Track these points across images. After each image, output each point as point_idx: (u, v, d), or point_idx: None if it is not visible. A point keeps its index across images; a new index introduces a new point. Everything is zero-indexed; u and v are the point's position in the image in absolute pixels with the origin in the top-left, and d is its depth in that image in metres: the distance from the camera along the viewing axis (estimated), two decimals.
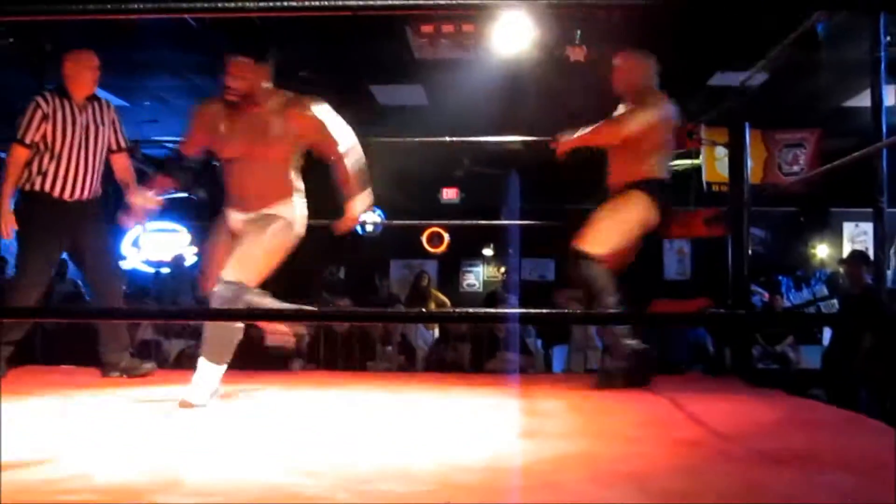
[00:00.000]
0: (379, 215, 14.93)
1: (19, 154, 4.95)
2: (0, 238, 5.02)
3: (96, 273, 5.18)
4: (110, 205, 5.34)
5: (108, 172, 5.28)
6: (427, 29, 7.59)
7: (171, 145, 14.52)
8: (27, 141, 4.94)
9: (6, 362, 4.96)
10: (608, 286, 4.66)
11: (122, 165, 5.33)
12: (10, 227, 4.93)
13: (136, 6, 2.47)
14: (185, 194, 14.19)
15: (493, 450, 2.83)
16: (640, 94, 4.95)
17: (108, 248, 5.35)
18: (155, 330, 8.23)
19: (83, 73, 5.12)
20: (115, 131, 5.28)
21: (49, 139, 4.97)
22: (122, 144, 5.32)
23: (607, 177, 5.06)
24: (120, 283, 5.26)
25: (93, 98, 5.19)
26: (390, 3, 2.59)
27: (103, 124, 5.18)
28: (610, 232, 4.79)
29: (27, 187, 4.99)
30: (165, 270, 14.18)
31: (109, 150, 5.23)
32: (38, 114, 4.95)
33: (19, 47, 7.46)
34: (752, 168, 8.05)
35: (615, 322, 4.30)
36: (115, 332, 5.15)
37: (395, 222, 15.08)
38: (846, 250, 13.37)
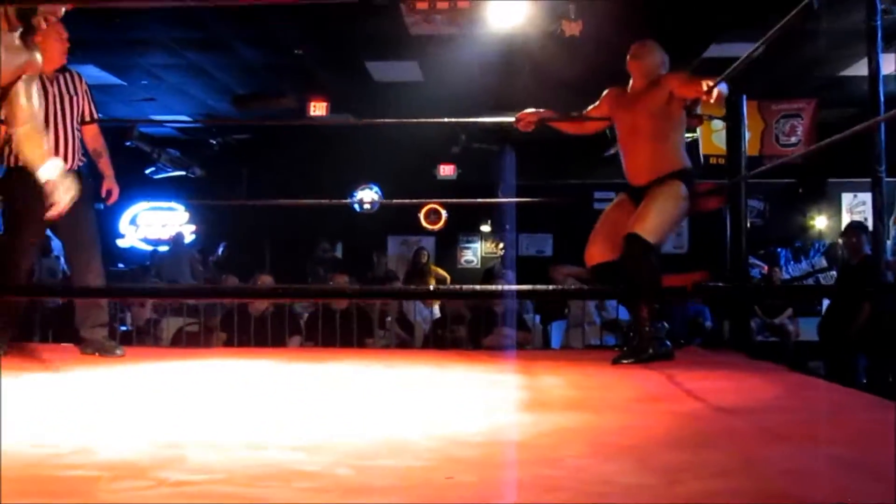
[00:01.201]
0: (376, 192, 14.93)
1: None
2: None
3: (74, 247, 5.16)
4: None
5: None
6: (422, 5, 7.55)
7: (169, 124, 14.54)
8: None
9: (6, 343, 4.97)
10: (658, 279, 4.71)
11: (92, 135, 5.31)
12: None
13: None
14: (182, 172, 14.24)
15: (493, 424, 2.83)
16: (658, 78, 4.97)
17: (87, 221, 5.28)
18: (153, 308, 8.24)
19: (52, 44, 5.06)
20: (88, 102, 5.27)
21: None
22: (94, 115, 5.30)
23: (637, 163, 5.01)
24: (98, 258, 5.22)
25: (63, 70, 5.17)
26: None
27: (76, 94, 5.16)
28: (664, 222, 4.79)
29: (11, 163, 4.96)
30: (163, 248, 14.19)
31: (81, 121, 5.21)
32: None
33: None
34: (749, 140, 8.05)
35: (608, 297, 4.30)
36: (90, 309, 5.14)
37: (393, 201, 15.10)
38: (845, 221, 13.38)
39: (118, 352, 5.15)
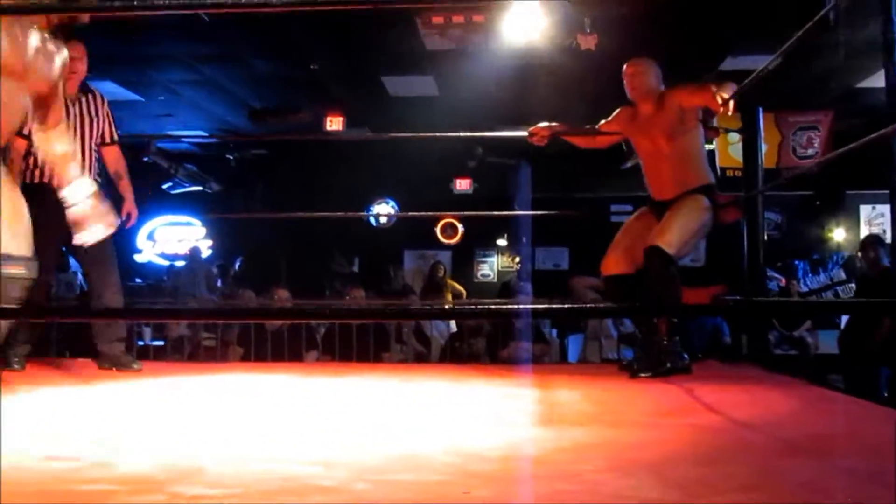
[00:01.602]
0: (392, 206, 14.95)
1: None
2: None
3: (92, 265, 5.19)
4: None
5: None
6: (437, 20, 7.59)
7: (186, 139, 14.59)
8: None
9: (24, 358, 5.00)
10: (679, 292, 4.70)
11: (114, 157, 5.35)
12: None
13: (163, 2, 2.46)
14: (199, 187, 14.29)
15: (510, 439, 2.83)
16: (662, 95, 4.96)
17: (104, 240, 5.32)
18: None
19: (72, 65, 5.12)
20: (109, 124, 5.30)
21: None
22: (114, 137, 5.33)
23: (661, 181, 5.00)
24: (116, 274, 5.25)
25: (86, 90, 5.20)
26: None
27: (97, 116, 5.20)
28: (686, 234, 4.78)
29: (27, 179, 5.01)
30: (180, 263, 14.23)
31: (101, 143, 5.24)
32: None
33: None
34: (766, 152, 8.03)
35: (625, 315, 4.28)
36: (104, 325, 5.16)
37: (410, 214, 15.11)
38: (863, 233, 13.31)
39: (135, 366, 5.16)
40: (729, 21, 8.17)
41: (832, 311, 10.73)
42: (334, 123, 11.28)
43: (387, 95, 11.32)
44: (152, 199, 13.60)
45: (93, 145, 5.17)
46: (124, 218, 5.41)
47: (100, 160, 5.27)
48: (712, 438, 2.84)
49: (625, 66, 5.08)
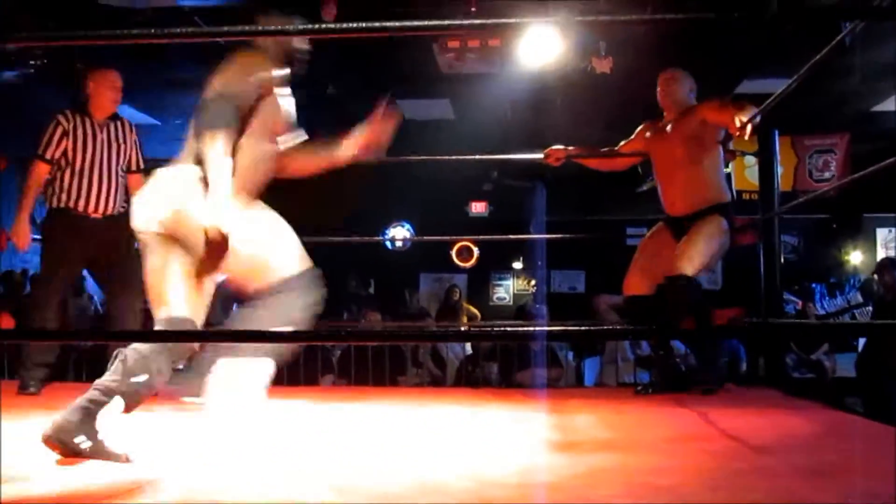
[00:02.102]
0: (408, 229, 14.96)
1: (40, 170, 5.04)
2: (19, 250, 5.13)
3: (116, 291, 5.21)
4: None
5: None
6: (453, 44, 7.61)
7: None
8: (48, 156, 5.03)
9: (40, 382, 5.01)
10: (709, 313, 4.75)
11: (137, 185, 5.38)
12: (27, 239, 4.99)
13: (178, 30, 2.49)
14: None
15: (526, 464, 2.82)
16: (689, 108, 4.99)
17: (130, 266, 5.36)
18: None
19: (105, 92, 5.19)
20: (136, 151, 5.34)
21: (70, 155, 5.05)
22: (140, 165, 5.38)
23: (675, 191, 5.01)
24: (139, 301, 5.28)
25: (114, 117, 5.25)
26: (424, 23, 2.61)
27: (124, 142, 5.25)
28: (706, 258, 4.80)
29: (53, 204, 5.06)
30: None
31: (127, 170, 5.28)
32: (59, 130, 5.05)
33: (52, 67, 7.56)
34: (782, 175, 8.00)
35: (643, 338, 4.27)
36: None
37: (425, 238, 15.11)
38: (880, 256, 13.25)
39: None
40: (745, 44, 8.18)
41: (850, 334, 10.66)
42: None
43: (403, 119, 11.34)
44: None
45: (119, 171, 5.22)
46: None
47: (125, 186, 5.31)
48: (729, 463, 2.82)
49: (661, 73, 5.13)
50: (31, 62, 7.31)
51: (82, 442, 2.71)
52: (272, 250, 3.19)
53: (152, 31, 2.38)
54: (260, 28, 2.61)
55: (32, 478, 2.47)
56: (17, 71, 7.48)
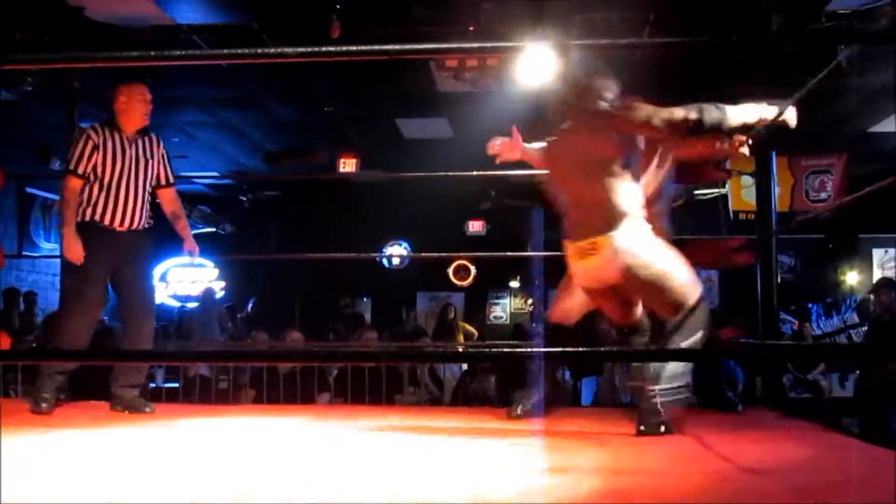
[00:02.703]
0: (405, 248, 14.97)
1: (74, 184, 5.07)
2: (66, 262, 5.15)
3: (131, 307, 5.22)
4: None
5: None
6: (451, 63, 7.63)
7: (200, 181, 14.65)
8: (80, 171, 5.06)
9: (57, 391, 5.01)
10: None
11: (170, 199, 5.47)
12: (80, 251, 5.00)
13: (178, 53, 2.50)
14: (213, 228, 14.34)
15: (524, 486, 2.81)
16: None
17: (148, 283, 5.40)
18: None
19: (135, 105, 5.23)
20: (164, 166, 5.38)
21: (99, 170, 5.09)
22: (170, 179, 5.44)
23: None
24: (152, 321, 5.31)
25: (144, 132, 5.29)
26: (424, 47, 2.62)
27: (152, 157, 5.30)
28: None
29: (79, 217, 5.07)
30: (192, 305, 14.24)
31: (157, 185, 5.32)
32: (90, 144, 5.08)
33: (50, 86, 7.57)
34: (779, 195, 8.02)
35: (645, 359, 4.24)
36: (129, 369, 5.17)
37: (422, 255, 15.12)
38: (876, 276, 13.26)
39: (147, 409, 5.16)
40: (742, 65, 8.20)
41: (847, 355, 10.66)
42: (348, 165, 11.33)
43: (401, 137, 11.37)
44: (166, 240, 13.64)
45: (148, 186, 5.25)
46: (186, 254, 5.55)
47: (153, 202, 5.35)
48: (725, 485, 2.82)
49: None
50: (30, 80, 7.33)
51: None
52: None
53: (151, 53, 2.39)
54: (259, 51, 2.61)
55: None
56: (15, 89, 7.49)
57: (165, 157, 5.43)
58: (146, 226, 5.24)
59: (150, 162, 5.28)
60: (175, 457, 3.53)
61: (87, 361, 5.45)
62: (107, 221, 5.08)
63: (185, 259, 15.19)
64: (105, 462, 3.35)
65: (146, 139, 5.30)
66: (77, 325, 4.99)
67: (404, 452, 3.70)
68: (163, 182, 5.38)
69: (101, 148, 5.09)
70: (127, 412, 5.08)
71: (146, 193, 5.25)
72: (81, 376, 5.56)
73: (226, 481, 2.90)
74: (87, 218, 5.07)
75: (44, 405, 4.89)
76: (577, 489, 2.71)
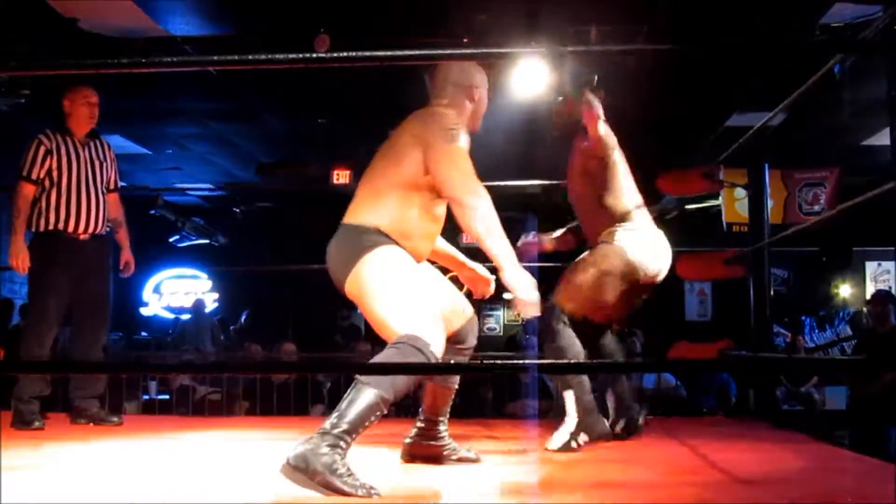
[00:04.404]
0: None
1: (27, 190, 5.02)
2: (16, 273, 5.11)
3: (87, 313, 5.18)
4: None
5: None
6: None
7: (193, 192, 14.59)
8: (33, 177, 5.02)
9: (41, 414, 4.95)
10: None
11: (114, 204, 5.41)
12: (27, 261, 4.95)
13: (170, 59, 2.50)
14: (206, 240, 14.31)
15: (518, 501, 2.81)
16: None
17: (107, 290, 5.36)
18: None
19: (81, 108, 5.19)
20: (114, 171, 5.37)
21: (55, 175, 5.04)
22: (117, 184, 5.43)
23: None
24: (105, 330, 5.27)
25: (93, 136, 5.26)
26: (416, 53, 2.63)
27: (105, 160, 5.27)
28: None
29: (41, 227, 5.02)
30: (185, 317, 14.21)
31: (106, 188, 5.29)
32: (42, 149, 5.04)
33: (42, 97, 7.55)
34: (772, 208, 8.03)
35: (635, 371, 4.24)
36: (87, 379, 5.13)
37: None
38: (869, 289, 13.28)
39: (114, 419, 5.11)
40: (737, 78, 8.22)
41: (840, 368, 10.66)
42: (342, 177, 11.30)
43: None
44: (159, 252, 13.63)
45: (103, 189, 5.22)
46: (122, 267, 5.44)
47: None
48: (719, 497, 2.81)
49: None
50: (24, 92, 7.31)
51: None
52: None
53: (142, 60, 2.39)
54: (250, 57, 2.60)
55: None
56: (7, 100, 7.46)
57: (115, 161, 5.42)
58: (106, 230, 5.21)
59: (104, 164, 5.27)
60: (160, 474, 3.52)
61: (73, 371, 5.40)
62: (70, 228, 5.03)
63: (178, 271, 15.25)
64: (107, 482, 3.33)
65: (97, 142, 5.29)
66: (46, 339, 4.96)
67: (395, 466, 3.69)
68: (111, 186, 5.35)
69: (54, 153, 5.05)
70: (92, 424, 5.03)
71: (104, 196, 5.22)
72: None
73: (218, 497, 2.89)
74: (51, 227, 5.02)
75: (36, 423, 4.85)
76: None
